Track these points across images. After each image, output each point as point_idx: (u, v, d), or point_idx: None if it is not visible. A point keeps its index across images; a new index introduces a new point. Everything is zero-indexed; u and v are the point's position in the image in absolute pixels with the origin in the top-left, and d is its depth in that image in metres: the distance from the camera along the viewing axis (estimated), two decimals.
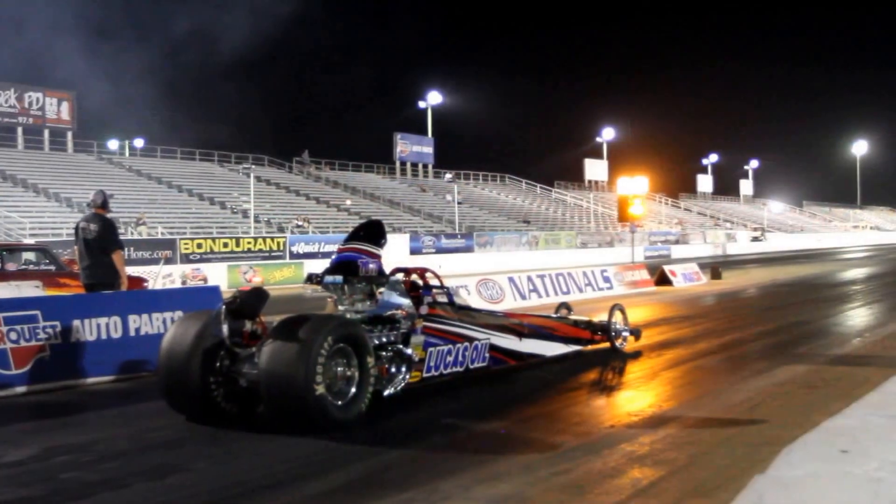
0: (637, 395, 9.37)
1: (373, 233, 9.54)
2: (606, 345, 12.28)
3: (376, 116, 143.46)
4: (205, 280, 28.52)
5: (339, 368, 7.78)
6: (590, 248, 52.18)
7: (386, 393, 8.46)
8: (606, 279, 23.68)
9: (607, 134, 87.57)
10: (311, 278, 9.17)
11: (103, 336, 10.41)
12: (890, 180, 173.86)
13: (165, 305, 11.15)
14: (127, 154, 54.35)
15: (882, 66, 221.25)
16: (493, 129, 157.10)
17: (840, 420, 3.78)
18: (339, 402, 7.68)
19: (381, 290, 9.26)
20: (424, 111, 71.60)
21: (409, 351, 8.82)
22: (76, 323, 10.19)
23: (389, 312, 9.09)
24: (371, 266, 9.02)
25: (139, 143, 57.86)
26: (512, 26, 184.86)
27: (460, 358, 9.63)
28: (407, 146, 67.39)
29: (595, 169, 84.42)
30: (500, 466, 6.32)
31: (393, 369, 8.64)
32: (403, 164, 67.65)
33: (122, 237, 13.09)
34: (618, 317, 12.45)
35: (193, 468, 6.52)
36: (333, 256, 9.33)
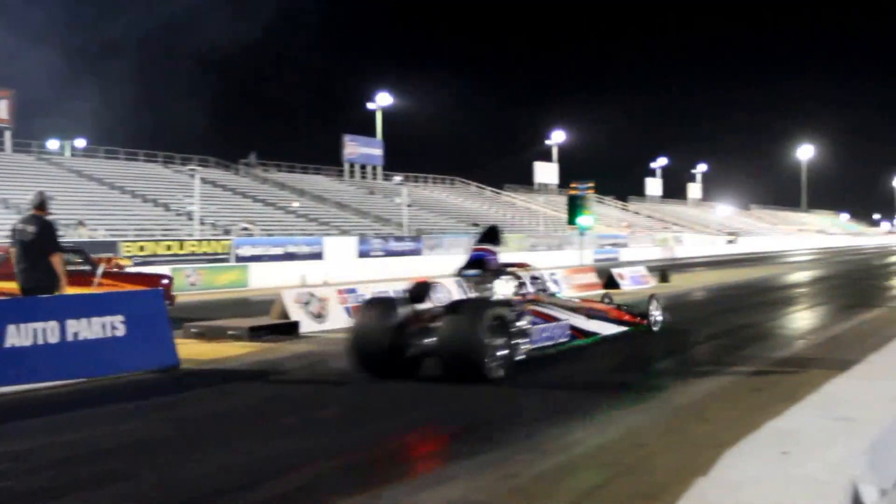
0: (584, 398, 9.36)
1: (493, 236, 12.50)
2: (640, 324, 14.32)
3: (325, 118, 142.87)
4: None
5: (494, 338, 10.13)
6: (539, 251, 52.31)
7: (516, 359, 10.73)
8: (555, 282, 23.74)
9: (557, 137, 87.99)
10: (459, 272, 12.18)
11: (40, 341, 10.14)
12: (834, 185, 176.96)
13: (105, 309, 10.89)
14: (68, 154, 53.50)
15: (827, 73, 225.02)
16: (442, 132, 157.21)
17: (782, 422, 3.79)
18: (494, 364, 10.07)
19: (500, 279, 11.98)
20: (373, 112, 71.44)
21: (526, 326, 11.29)
22: (11, 328, 9.91)
23: (507, 297, 11.67)
24: (494, 261, 11.98)
25: (80, 143, 57.06)
26: (462, 29, 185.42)
27: (551, 334, 12.05)
28: (356, 148, 67.13)
29: (545, 172, 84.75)
30: (446, 471, 6.28)
31: (518, 341, 10.89)
32: (352, 165, 67.38)
33: (61, 240, 12.85)
34: (654, 304, 15.00)
35: (137, 476, 6.38)
36: (468, 254, 12.20)
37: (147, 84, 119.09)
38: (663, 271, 30.90)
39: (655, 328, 14.69)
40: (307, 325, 15.43)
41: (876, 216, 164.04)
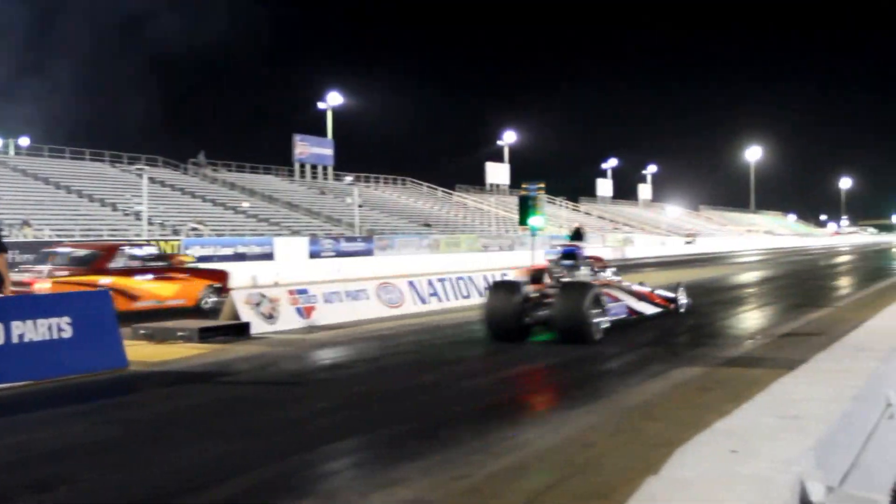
0: (535, 399, 9.40)
1: (579, 236, 20.10)
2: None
3: (275, 118, 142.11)
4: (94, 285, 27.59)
5: (593, 310, 13.42)
6: (491, 252, 52.42)
7: (602, 327, 13.76)
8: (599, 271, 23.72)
9: (508, 137, 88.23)
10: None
11: None
12: (782, 186, 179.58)
13: (51, 311, 10.73)
14: (11, 153, 52.64)
15: (775, 76, 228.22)
16: (394, 132, 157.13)
17: (731, 420, 3.84)
18: (595, 330, 13.43)
19: (584, 268, 15.70)
20: (324, 112, 71.13)
21: (609, 304, 14.60)
22: None
23: (589, 281, 14.85)
24: (581, 253, 16.01)
25: (24, 141, 56.14)
26: (414, 29, 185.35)
27: (617, 311, 15.06)
28: (306, 148, 66.79)
29: (496, 172, 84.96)
30: (398, 472, 6.26)
31: (606, 315, 14.11)
32: (303, 165, 67.03)
33: (6, 240, 12.66)
34: (681, 290, 18.15)
35: (81, 480, 6.30)
36: (562, 248, 16.44)
37: (94, 83, 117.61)
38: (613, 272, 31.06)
39: (682, 310, 17.75)
40: (258, 326, 15.33)
41: (822, 217, 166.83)
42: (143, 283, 18.51)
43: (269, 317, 15.75)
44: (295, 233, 47.00)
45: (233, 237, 40.95)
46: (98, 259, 18.49)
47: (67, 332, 10.68)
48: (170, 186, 51.65)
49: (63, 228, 37.41)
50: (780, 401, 4.28)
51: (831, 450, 3.66)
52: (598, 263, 16.59)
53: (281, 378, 11.15)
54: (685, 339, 14.48)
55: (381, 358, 12.89)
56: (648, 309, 16.51)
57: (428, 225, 60.90)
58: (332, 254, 42.50)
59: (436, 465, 6.39)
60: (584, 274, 15.40)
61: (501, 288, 14.56)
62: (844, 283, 29.56)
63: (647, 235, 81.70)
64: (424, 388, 10.16)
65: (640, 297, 16.50)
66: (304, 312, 16.56)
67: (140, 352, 12.69)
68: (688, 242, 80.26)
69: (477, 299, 21.70)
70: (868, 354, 5.31)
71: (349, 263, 37.80)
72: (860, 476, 4.07)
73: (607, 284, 15.62)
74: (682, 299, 17.99)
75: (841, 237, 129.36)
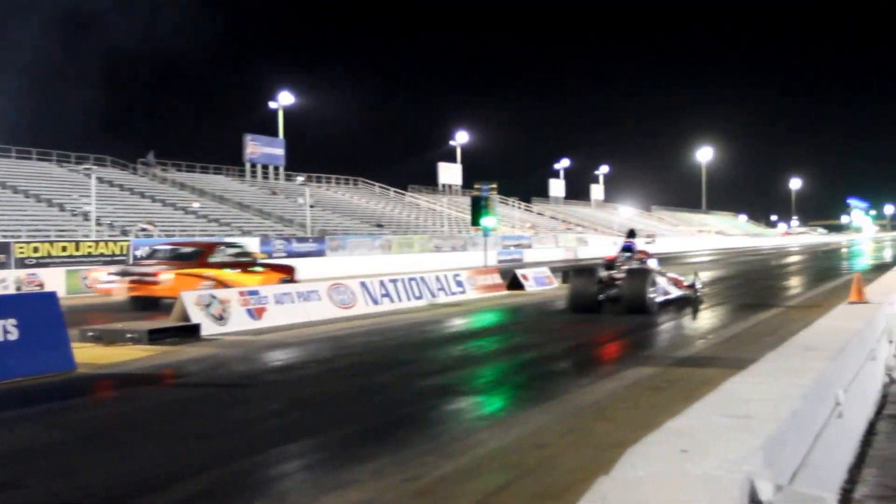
0: (487, 400, 9.40)
1: (633, 234, 21.34)
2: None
3: (226, 117, 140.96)
4: (41, 286, 27.23)
5: (651, 289, 17.92)
6: (443, 252, 52.47)
7: (658, 301, 18.48)
8: (459, 283, 23.82)
9: (461, 138, 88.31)
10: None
11: None
12: (733, 186, 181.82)
13: None
14: None
15: (727, 78, 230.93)
16: (346, 132, 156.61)
17: (681, 420, 3.85)
18: (652, 304, 17.81)
19: (637, 260, 19.89)
20: (275, 112, 70.70)
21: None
22: None
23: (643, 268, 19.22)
24: (635, 247, 20.20)
25: None
26: (366, 28, 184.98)
27: (658, 292, 18.93)
28: (257, 147, 66.32)
29: (449, 173, 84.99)
30: (350, 474, 6.22)
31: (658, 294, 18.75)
32: (254, 165, 66.54)
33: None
34: (698, 278, 22.16)
35: (26, 485, 6.18)
36: (622, 243, 20.59)
37: (42, 82, 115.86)
38: (566, 272, 31.23)
39: (699, 294, 21.50)
40: (208, 328, 15.19)
41: (773, 217, 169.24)
42: (234, 275, 21.07)
43: (220, 318, 15.62)
44: (246, 233, 46.66)
45: (183, 238, 40.55)
46: (201, 255, 21.62)
47: (13, 335, 10.50)
48: (118, 186, 51.03)
49: (9, 229, 36.81)
50: (730, 400, 4.30)
51: (780, 449, 3.68)
52: (645, 256, 20.49)
53: (231, 380, 11.05)
54: (637, 338, 14.58)
55: (332, 359, 12.83)
56: (677, 292, 20.33)
57: (380, 225, 60.78)
58: (284, 254, 42.23)
59: (388, 467, 6.36)
60: (641, 265, 19.71)
61: (583, 273, 19.37)
62: (794, 284, 29.97)
63: (600, 236, 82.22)
64: (376, 389, 10.13)
65: (673, 282, 20.49)
66: (255, 314, 16.45)
67: (88, 354, 12.51)
68: (648, 242, 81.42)
69: (430, 299, 21.71)
70: (817, 354, 5.36)
71: (301, 264, 37.62)
72: (809, 475, 4.10)
73: (651, 271, 19.28)
74: (699, 286, 21.86)
75: (791, 237, 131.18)
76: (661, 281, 19.47)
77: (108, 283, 23.01)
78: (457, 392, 9.91)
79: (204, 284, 19.52)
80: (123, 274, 21.61)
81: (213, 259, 21.41)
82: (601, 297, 18.45)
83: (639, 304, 17.68)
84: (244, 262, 22.09)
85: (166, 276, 20.01)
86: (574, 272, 19.71)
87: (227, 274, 20.99)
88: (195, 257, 21.42)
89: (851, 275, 18.70)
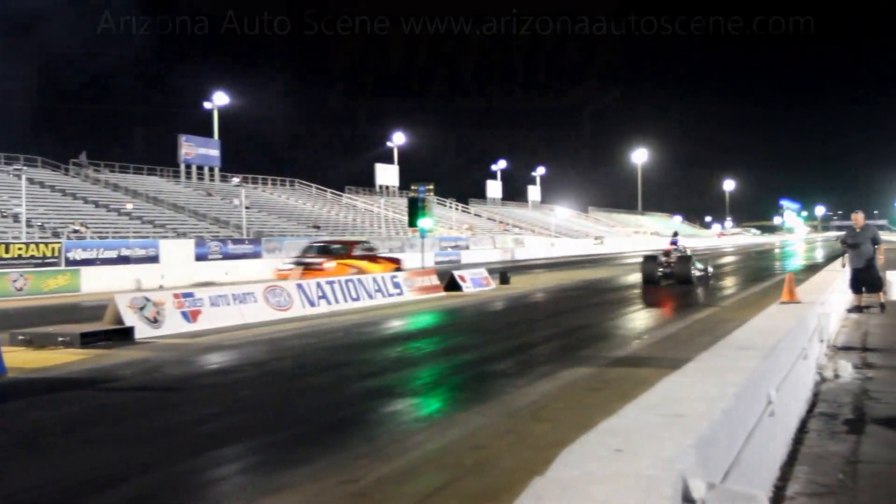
0: (426, 401, 9.39)
1: (677, 234, 33.73)
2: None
3: (160, 118, 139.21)
4: (350, 266, 26.80)
5: (693, 269, 28.40)
6: (381, 254, 52.33)
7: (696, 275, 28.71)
8: (396, 285, 23.78)
9: (398, 139, 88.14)
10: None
11: None
12: (668, 188, 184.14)
13: None
14: None
15: (661, 80, 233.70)
16: (282, 133, 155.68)
17: (616, 420, 3.87)
18: (693, 277, 28.12)
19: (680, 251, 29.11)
20: (210, 112, 69.91)
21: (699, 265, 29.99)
22: None
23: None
24: (678, 242, 29.74)
25: None
26: (300, 27, 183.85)
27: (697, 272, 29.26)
28: (192, 148, 65.49)
29: (386, 174, 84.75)
30: (286, 477, 6.17)
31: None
32: (189, 167, 65.68)
33: None
34: (709, 265, 31.53)
35: None
36: (672, 240, 29.82)
37: None
38: (503, 273, 31.38)
39: (709, 274, 30.86)
40: (142, 331, 14.98)
41: (708, 218, 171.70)
42: (368, 265, 27.21)
43: (154, 321, 15.41)
44: (181, 235, 46.08)
45: (116, 240, 39.91)
46: (348, 249, 29.22)
47: None
48: (50, 187, 50.07)
49: None
50: (664, 399, 4.34)
51: (713, 447, 3.72)
52: (683, 248, 29.30)
53: (165, 383, 10.91)
54: (574, 340, 14.67)
55: (268, 362, 12.73)
56: (699, 273, 29.12)
57: (317, 227, 60.44)
58: (219, 256, 41.78)
59: (324, 469, 6.33)
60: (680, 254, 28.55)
61: (649, 259, 28.57)
62: (728, 284, 30.42)
63: (537, 237, 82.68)
64: (313, 391, 10.07)
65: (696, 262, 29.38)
66: (191, 316, 16.26)
67: (18, 358, 12.27)
68: (596, 243, 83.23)
69: (367, 301, 21.64)
70: (750, 353, 5.43)
71: (237, 266, 37.26)
72: (741, 472, 4.15)
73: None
74: (709, 269, 31.44)
75: (725, 238, 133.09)
76: (697, 264, 29.16)
77: (285, 270, 27.56)
78: (394, 394, 9.89)
79: (351, 271, 25.10)
80: (297, 263, 27.28)
81: (355, 252, 28.73)
82: (660, 273, 27.76)
83: (686, 279, 27.36)
84: (372, 256, 29.12)
85: (329, 265, 26.38)
86: (644, 259, 29.10)
87: (363, 263, 27.19)
88: (344, 251, 28.89)
89: (784, 275, 19.02)
